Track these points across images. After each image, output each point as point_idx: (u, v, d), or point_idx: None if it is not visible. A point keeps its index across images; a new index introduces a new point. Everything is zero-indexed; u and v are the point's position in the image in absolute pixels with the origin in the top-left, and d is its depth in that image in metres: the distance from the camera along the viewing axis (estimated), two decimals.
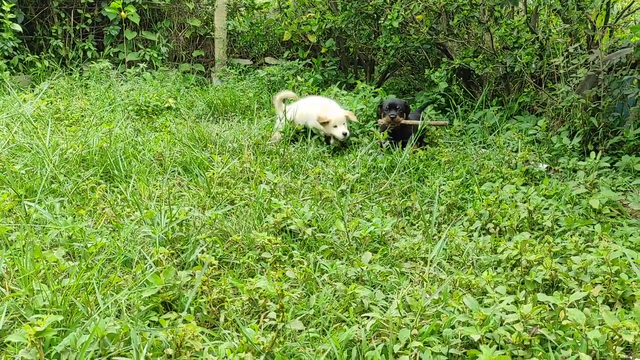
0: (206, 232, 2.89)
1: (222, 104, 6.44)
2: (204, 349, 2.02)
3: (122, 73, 7.71)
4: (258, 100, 6.62)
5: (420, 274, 2.64)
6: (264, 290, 2.31)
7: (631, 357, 2.06)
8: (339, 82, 6.85)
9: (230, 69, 7.98)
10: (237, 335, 2.16)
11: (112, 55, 8.13)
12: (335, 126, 4.96)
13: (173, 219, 2.85)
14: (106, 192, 3.61)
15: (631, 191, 3.84)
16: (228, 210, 3.36)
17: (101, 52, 8.18)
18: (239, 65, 8.14)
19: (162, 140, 4.81)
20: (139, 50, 8.20)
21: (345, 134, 4.92)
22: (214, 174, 3.70)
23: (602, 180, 3.97)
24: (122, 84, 7.12)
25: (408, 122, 4.96)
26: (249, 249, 2.89)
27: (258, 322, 2.24)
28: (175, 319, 2.20)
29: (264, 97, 6.64)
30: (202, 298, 2.34)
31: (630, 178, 4.01)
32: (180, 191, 3.78)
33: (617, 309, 2.34)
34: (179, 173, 4.17)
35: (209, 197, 3.47)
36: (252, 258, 2.75)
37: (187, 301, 2.34)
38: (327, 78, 7.03)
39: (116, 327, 2.00)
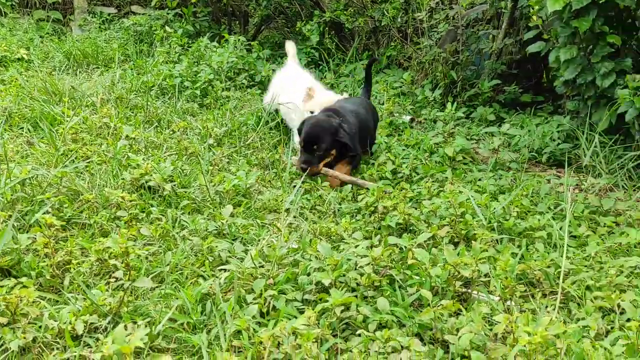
0: (52, 191, 2.67)
1: (82, 56, 5.94)
2: (43, 314, 1.88)
3: None
4: (123, 52, 6.20)
5: (276, 224, 2.65)
6: (114, 250, 2.18)
7: (470, 290, 2.23)
8: (211, 34, 6.57)
9: (92, 17, 7.36)
10: (84, 298, 2.04)
11: None
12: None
13: (12, 178, 2.59)
14: None
15: (483, 139, 4.12)
16: (83, 168, 3.13)
17: None
18: (102, 13, 7.51)
19: (9, 95, 4.35)
20: None
21: None
22: (64, 129, 3.41)
23: (459, 130, 4.22)
24: None
25: (331, 173, 3.24)
26: (104, 208, 2.72)
27: (108, 283, 2.12)
28: (14, 286, 2.02)
29: (130, 48, 6.22)
30: (45, 261, 2.17)
31: (483, 127, 4.30)
32: (29, 149, 3.45)
33: (461, 247, 2.51)
34: (28, 130, 3.80)
35: (59, 154, 3.20)
36: (105, 217, 2.59)
37: (27, 266, 2.16)
38: (198, 29, 6.70)
39: None
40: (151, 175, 2.91)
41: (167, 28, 6.21)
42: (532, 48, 3.96)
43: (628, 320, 1.93)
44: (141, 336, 1.29)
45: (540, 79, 5.06)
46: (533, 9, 3.81)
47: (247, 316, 1.85)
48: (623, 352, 1.76)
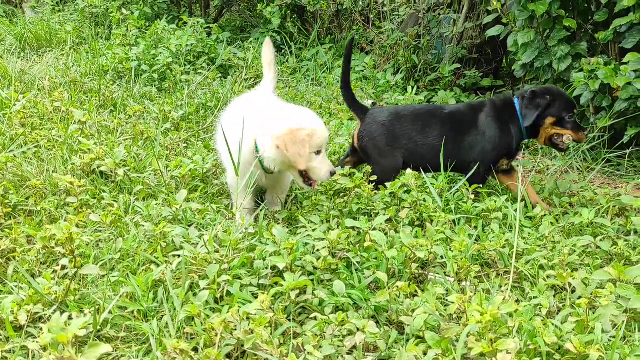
0: None
1: (35, 39, 5.73)
2: None
3: None
4: (78, 34, 6.00)
5: (230, 208, 2.59)
6: (60, 238, 2.10)
7: (426, 272, 2.23)
8: (170, 17, 6.40)
9: None
10: (29, 287, 1.95)
11: None
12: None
13: None
14: None
15: None
16: (32, 153, 3.01)
17: None
18: None
19: None
20: None
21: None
22: (11, 113, 3.27)
23: None
24: None
25: None
26: (53, 195, 2.62)
27: (55, 272, 2.04)
28: None
29: (85, 31, 6.02)
30: None
31: None
32: None
33: (417, 229, 2.50)
34: None
35: (4, 139, 3.06)
36: (54, 204, 2.49)
37: None
38: (157, 12, 6.52)
39: None
40: (103, 160, 2.81)
41: (123, 10, 6.02)
42: (491, 31, 3.97)
43: (579, 298, 1.96)
44: (79, 325, 1.23)
45: (500, 64, 5.11)
46: None
47: (198, 302, 1.81)
48: (573, 329, 1.78)
